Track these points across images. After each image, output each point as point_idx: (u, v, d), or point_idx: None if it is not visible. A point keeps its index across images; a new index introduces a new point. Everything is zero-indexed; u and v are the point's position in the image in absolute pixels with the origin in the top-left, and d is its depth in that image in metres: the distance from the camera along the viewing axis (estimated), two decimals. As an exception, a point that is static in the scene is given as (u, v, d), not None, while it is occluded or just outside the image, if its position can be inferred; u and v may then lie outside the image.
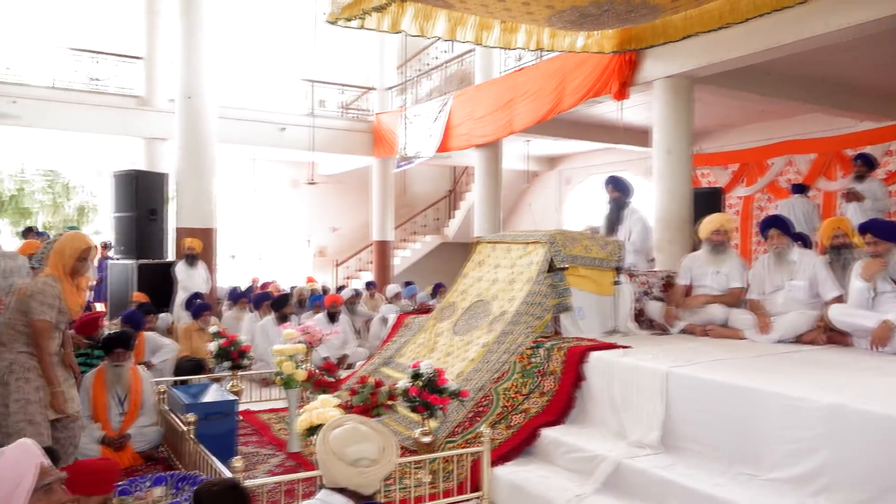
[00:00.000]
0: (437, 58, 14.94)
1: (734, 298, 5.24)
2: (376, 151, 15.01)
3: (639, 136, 11.44)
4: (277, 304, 7.99)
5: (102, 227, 17.34)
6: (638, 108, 9.87)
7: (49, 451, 2.88)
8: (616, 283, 5.26)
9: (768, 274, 5.11)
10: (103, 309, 9.74)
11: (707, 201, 9.45)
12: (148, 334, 6.75)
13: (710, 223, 5.48)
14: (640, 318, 5.63)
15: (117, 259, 9.77)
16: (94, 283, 10.38)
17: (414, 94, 14.85)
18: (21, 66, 12.62)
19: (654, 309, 5.58)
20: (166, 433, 4.80)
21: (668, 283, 5.88)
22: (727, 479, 3.24)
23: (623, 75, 8.21)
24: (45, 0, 14.87)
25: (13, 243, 11.32)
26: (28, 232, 11.19)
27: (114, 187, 9.86)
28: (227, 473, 3.26)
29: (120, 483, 3.28)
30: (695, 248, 7.31)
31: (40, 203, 18.05)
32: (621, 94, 8.35)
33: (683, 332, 5.35)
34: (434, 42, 14.38)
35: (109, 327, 6.72)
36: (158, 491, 3.49)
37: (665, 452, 3.65)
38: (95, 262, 10.50)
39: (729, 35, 6.81)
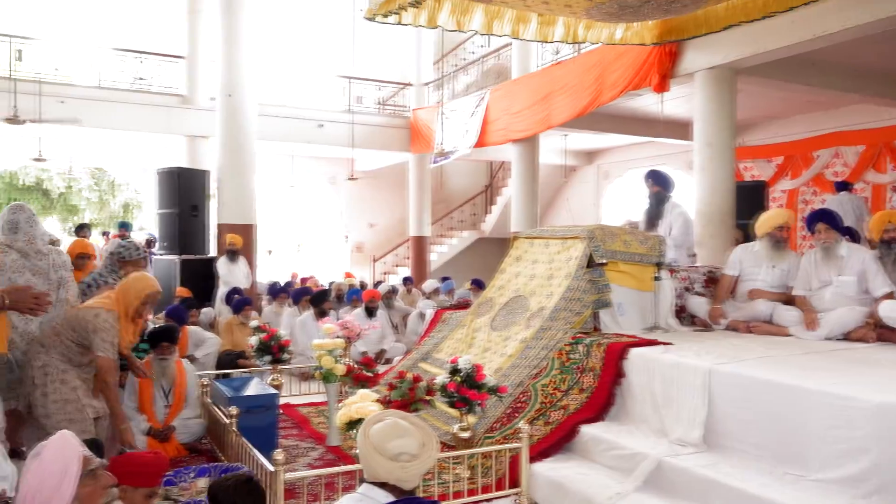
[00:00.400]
0: (473, 52, 14.91)
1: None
2: (413, 147, 15.05)
3: (679, 128, 11.26)
4: (316, 299, 8.08)
5: (147, 223, 17.80)
6: (679, 101, 9.70)
7: (92, 443, 2.96)
8: (657, 278, 5.18)
9: (815, 269, 4.97)
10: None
11: (750, 195, 9.26)
12: (191, 328, 6.89)
13: (774, 218, 5.32)
14: (682, 314, 5.54)
15: (161, 255, 9.97)
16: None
17: (451, 89, 14.84)
18: (68, 66, 12.97)
19: (697, 304, 5.48)
20: (209, 425, 4.89)
21: (711, 279, 5.78)
22: (773, 479, 3.16)
23: (664, 67, 8.07)
24: (91, 2, 15.26)
25: (65, 239, 11.63)
26: (82, 228, 11.40)
27: (157, 184, 10.07)
28: (269, 466, 3.30)
29: (165, 474, 3.34)
30: (737, 242, 7.17)
31: (87, 200, 18.61)
32: (662, 87, 8.20)
33: (727, 328, 5.25)
34: (471, 37, 14.36)
35: (154, 321, 6.87)
36: (202, 482, 3.55)
37: (708, 451, 3.59)
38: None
39: (773, 24, 6.64)
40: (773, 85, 8.73)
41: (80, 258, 5.73)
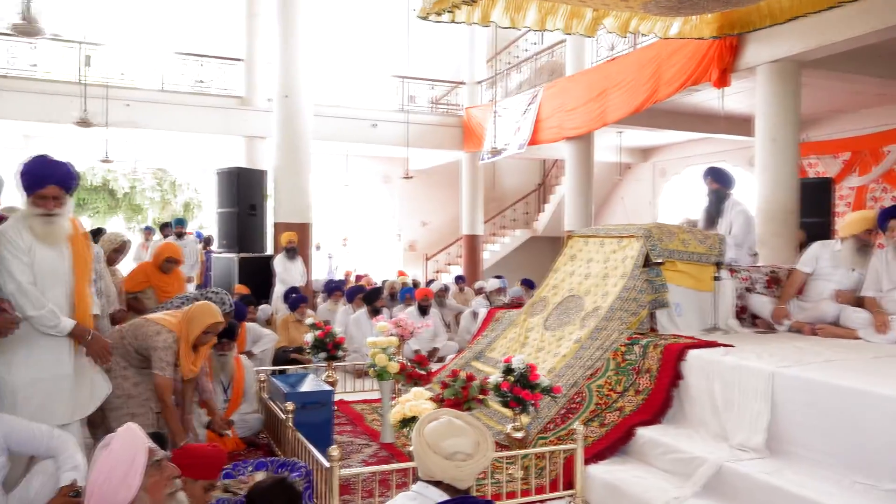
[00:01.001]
0: (526, 50, 14.80)
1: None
2: (466, 146, 15.05)
3: (740, 124, 10.94)
4: (369, 297, 8.16)
5: (207, 221, 18.30)
6: (739, 96, 9.43)
7: (156, 435, 3.05)
8: (716, 278, 5.03)
9: (887, 269, 4.74)
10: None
11: (815, 192, 8.95)
12: (249, 325, 7.02)
13: (864, 221, 5.01)
14: (742, 315, 5.38)
15: (220, 253, 10.22)
16: (195, 279, 10.83)
17: (504, 87, 14.78)
18: (133, 71, 13.44)
19: (760, 304, 5.29)
20: (267, 420, 4.99)
21: (773, 279, 5.59)
22: (841, 489, 3.04)
23: (724, 62, 7.85)
24: (154, 9, 15.77)
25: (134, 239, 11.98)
26: (165, 227, 11.54)
27: (217, 184, 10.32)
28: (325, 462, 3.34)
29: (224, 467, 3.42)
30: (802, 243, 6.92)
31: (150, 200, 19.25)
32: (722, 82, 7.98)
33: (790, 330, 5.07)
34: (524, 34, 14.25)
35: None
36: (260, 476, 3.62)
37: (771, 457, 3.47)
38: (202, 257, 11.03)
39: (842, 14, 6.38)
40: (841, 77, 8.41)
41: (169, 262, 5.82)
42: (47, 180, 3.28)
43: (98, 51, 12.76)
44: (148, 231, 12.80)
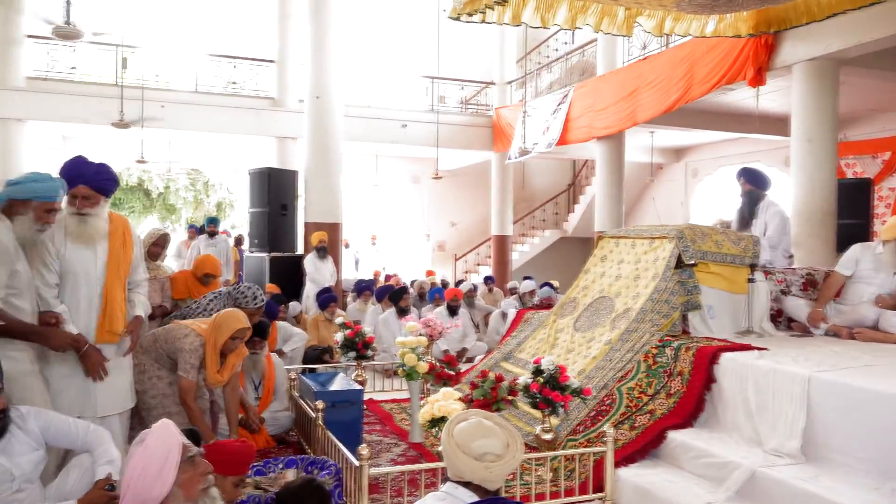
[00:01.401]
0: (557, 50, 14.72)
1: None
2: (496, 146, 15.01)
3: (775, 124, 10.75)
4: (395, 296, 8.20)
5: (239, 221, 18.54)
6: (775, 95, 9.27)
7: (190, 432, 3.09)
8: (750, 280, 4.94)
9: (928, 273, 4.63)
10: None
11: (853, 193, 8.76)
12: (280, 324, 7.08)
13: None
14: (778, 318, 5.28)
15: (252, 252, 10.33)
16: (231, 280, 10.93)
17: (534, 87, 14.72)
18: (168, 72, 13.67)
19: (796, 307, 5.19)
20: (297, 418, 5.03)
21: (809, 281, 5.48)
22: (881, 496, 2.96)
23: (759, 60, 7.71)
24: (188, 11, 16.03)
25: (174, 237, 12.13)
26: (201, 230, 11.66)
27: (249, 184, 10.43)
28: (354, 460, 3.36)
29: (255, 464, 3.46)
30: (840, 244, 6.76)
31: (184, 200, 19.57)
32: (757, 81, 7.84)
33: (826, 334, 4.96)
34: (554, 34, 14.18)
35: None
36: (290, 473, 3.65)
37: (806, 463, 3.40)
38: (235, 255, 11.10)
39: (883, 11, 6.23)
40: (880, 76, 8.21)
41: (207, 277, 5.89)
42: (77, 180, 3.39)
43: (134, 53, 13.01)
44: (192, 229, 12.96)
